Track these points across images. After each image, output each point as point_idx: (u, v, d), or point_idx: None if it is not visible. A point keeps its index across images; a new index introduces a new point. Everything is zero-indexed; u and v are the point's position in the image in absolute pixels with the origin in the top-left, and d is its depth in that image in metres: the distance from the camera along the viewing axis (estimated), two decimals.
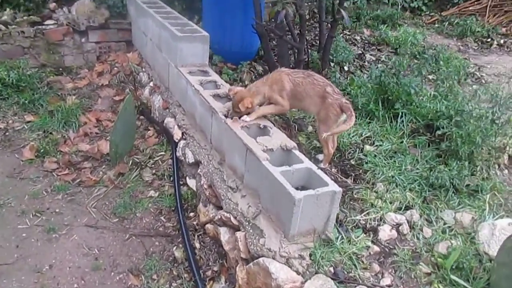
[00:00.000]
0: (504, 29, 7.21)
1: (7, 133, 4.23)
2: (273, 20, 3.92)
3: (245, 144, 2.68)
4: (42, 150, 3.96)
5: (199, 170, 3.28)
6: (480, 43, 6.74)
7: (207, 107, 3.22)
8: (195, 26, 4.24)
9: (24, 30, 4.97)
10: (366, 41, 6.12)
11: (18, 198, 3.40)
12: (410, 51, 5.72)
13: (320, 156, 3.20)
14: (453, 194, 2.83)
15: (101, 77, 5.12)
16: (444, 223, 2.65)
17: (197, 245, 3.02)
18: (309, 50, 4.78)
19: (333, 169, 3.09)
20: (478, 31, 6.87)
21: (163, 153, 3.94)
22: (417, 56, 5.64)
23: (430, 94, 3.55)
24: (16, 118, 4.44)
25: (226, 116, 3.01)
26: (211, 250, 2.97)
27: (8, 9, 5.15)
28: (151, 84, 4.71)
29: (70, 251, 2.98)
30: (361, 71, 4.81)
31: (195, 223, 3.23)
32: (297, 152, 2.67)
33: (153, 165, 3.84)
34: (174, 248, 3.05)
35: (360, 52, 5.61)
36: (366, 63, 5.23)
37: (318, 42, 5.02)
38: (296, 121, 3.60)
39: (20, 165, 3.82)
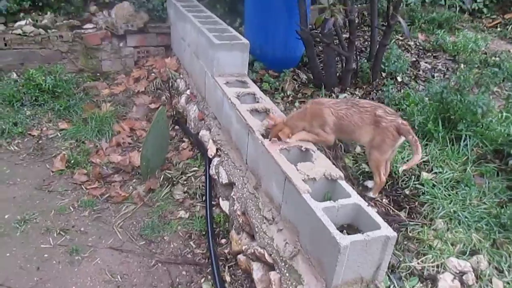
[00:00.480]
0: None
1: (40, 141, 4.11)
2: (320, 28, 3.57)
3: (284, 172, 2.35)
4: (73, 161, 3.80)
5: (232, 193, 2.98)
6: None
7: (244, 124, 2.92)
8: (235, 32, 3.95)
9: (63, 34, 4.87)
10: (421, 47, 5.61)
11: (44, 214, 3.24)
12: (470, 59, 5.18)
13: (370, 183, 2.82)
14: None
15: (138, 83, 4.95)
16: None
17: (228, 278, 2.73)
18: (358, 58, 4.38)
19: (384, 200, 2.71)
20: None
21: (196, 168, 3.68)
22: (479, 65, 5.10)
23: (501, 115, 3.07)
24: (51, 125, 4.32)
25: (264, 136, 2.70)
26: (243, 285, 2.67)
27: (48, 13, 5.08)
28: (188, 92, 4.47)
29: (92, 277, 2.77)
30: (416, 82, 4.36)
31: (226, 251, 2.93)
32: (343, 183, 2.31)
33: (185, 182, 3.58)
34: (203, 280, 2.77)
35: (414, 59, 5.13)
36: (421, 72, 4.75)
37: (368, 49, 4.61)
38: (342, 140, 3.23)
39: (50, 176, 3.67)
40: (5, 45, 4.71)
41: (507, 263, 2.28)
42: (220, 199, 3.25)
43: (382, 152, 2.58)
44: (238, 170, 3.02)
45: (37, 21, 4.92)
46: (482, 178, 2.78)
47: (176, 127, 4.38)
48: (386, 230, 1.97)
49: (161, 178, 3.63)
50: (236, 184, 2.97)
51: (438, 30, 5.94)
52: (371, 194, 2.71)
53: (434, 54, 5.43)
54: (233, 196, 2.95)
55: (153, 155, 3.59)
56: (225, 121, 3.38)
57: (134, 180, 3.69)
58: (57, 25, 5.01)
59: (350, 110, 2.58)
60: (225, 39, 3.63)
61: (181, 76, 4.85)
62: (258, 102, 3.27)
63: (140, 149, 3.98)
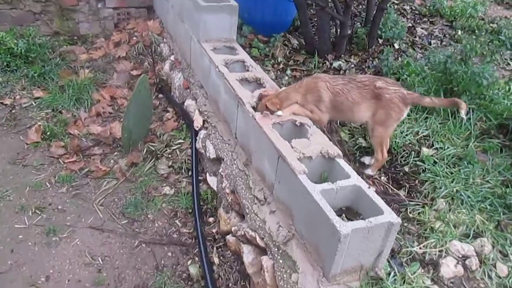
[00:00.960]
0: None
1: (13, 111, 3.82)
2: None
3: (277, 149, 2.16)
4: (49, 133, 3.54)
5: (221, 170, 2.79)
6: None
7: (233, 95, 2.69)
8: None
9: None
10: (417, 12, 5.36)
11: (18, 190, 3.02)
12: (468, 25, 4.96)
13: (367, 159, 2.66)
14: None
15: (118, 47, 4.62)
16: None
17: (216, 260, 2.58)
18: (354, 24, 4.12)
19: (382, 177, 2.55)
20: None
21: (181, 140, 3.46)
22: (476, 32, 4.90)
23: (508, 88, 2.88)
24: (24, 93, 4.02)
25: (255, 109, 2.49)
26: (232, 267, 2.52)
27: None
28: (172, 58, 4.18)
29: (71, 260, 2.59)
30: (413, 49, 4.14)
31: (214, 230, 2.77)
32: (341, 162, 2.13)
33: (170, 155, 3.37)
34: (189, 262, 2.62)
35: (410, 25, 4.88)
36: (417, 39, 4.52)
37: (362, 13, 4.34)
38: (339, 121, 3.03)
39: (24, 149, 3.42)
40: None
41: None
42: (208, 174, 3.06)
43: (387, 127, 2.40)
44: (227, 145, 2.82)
45: None
46: (485, 155, 2.63)
47: (160, 95, 4.12)
48: (389, 216, 1.81)
49: (144, 151, 3.41)
50: (225, 159, 2.77)
51: None
52: (369, 172, 2.54)
53: (430, 20, 5.18)
54: (222, 173, 2.76)
55: (135, 126, 3.36)
56: (212, 91, 3.14)
57: (115, 153, 3.47)
58: None
59: (347, 85, 2.37)
60: (212, 1, 3.33)
61: (164, 40, 4.54)
62: (248, 70, 3.04)
63: (122, 120, 3.75)
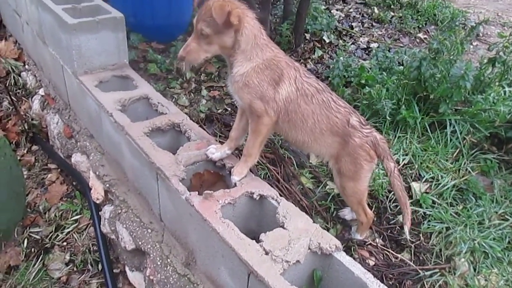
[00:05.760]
0: None
1: None
2: None
3: (243, 261, 1.34)
4: None
5: (148, 272, 1.88)
6: None
7: (146, 162, 1.78)
8: None
9: None
10: None
11: None
12: (382, 1, 4.50)
13: (347, 212, 1.96)
14: None
15: None
16: None
17: None
18: (273, 19, 3.36)
19: (377, 240, 1.87)
20: None
21: (77, 215, 2.46)
22: (392, 7, 4.48)
23: (502, 91, 2.31)
24: None
25: (189, 188, 1.62)
26: None
27: None
28: (42, 92, 3.07)
29: None
30: (343, 40, 3.51)
31: None
32: (341, 256, 1.39)
33: (65, 243, 2.36)
34: None
35: (324, 7, 4.27)
36: (338, 25, 3.91)
37: (281, 5, 3.56)
38: (288, 149, 2.27)
39: None
40: None
41: None
42: (127, 268, 2.13)
43: (360, 180, 1.70)
44: (149, 231, 1.92)
45: None
46: (486, 178, 2.08)
47: (34, 147, 3.00)
48: None
49: (25, 243, 2.35)
50: (151, 255, 1.87)
51: None
52: (358, 237, 1.84)
53: None
54: (151, 277, 1.86)
55: (2, 212, 2.28)
56: (110, 148, 2.18)
57: None
58: None
59: (320, 95, 1.61)
60: (84, 14, 2.32)
61: (26, 67, 3.36)
62: (156, 110, 2.13)
63: None
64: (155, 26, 3.48)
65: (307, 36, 3.23)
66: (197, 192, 1.57)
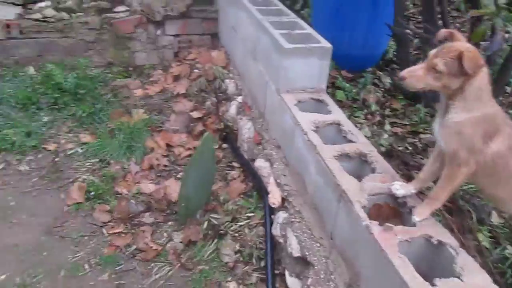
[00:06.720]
0: None
1: (56, 159, 3.29)
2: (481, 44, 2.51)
3: None
4: (93, 192, 2.96)
5: (309, 282, 2.04)
6: None
7: (331, 182, 1.95)
8: (308, 28, 2.92)
9: (89, 20, 3.98)
10: None
11: (50, 275, 2.43)
12: None
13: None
14: None
15: (177, 82, 4.03)
16: None
17: None
18: None
19: None
20: None
21: (251, 213, 2.76)
22: None
23: None
24: (70, 136, 3.49)
25: (369, 216, 1.72)
26: None
27: None
28: (240, 99, 3.51)
29: None
30: None
31: None
32: None
33: (236, 234, 2.67)
34: None
35: None
36: None
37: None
38: (469, 202, 2.20)
39: (63, 213, 2.86)
40: (21, 33, 3.87)
41: None
42: (287, 273, 2.32)
43: None
44: (318, 245, 2.07)
45: (59, 2, 4.04)
46: None
47: (224, 145, 3.45)
48: None
49: (205, 225, 2.74)
50: (315, 266, 2.03)
51: None
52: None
53: None
54: (311, 287, 2.01)
55: (194, 193, 2.69)
56: (296, 161, 2.41)
57: (169, 223, 2.82)
58: (83, 7, 4.12)
59: None
60: (298, 41, 2.62)
61: (231, 75, 3.89)
62: (345, 137, 2.28)
63: (178, 177, 3.13)
64: (350, 55, 3.68)
65: (508, 89, 3.04)
66: (377, 222, 1.66)
